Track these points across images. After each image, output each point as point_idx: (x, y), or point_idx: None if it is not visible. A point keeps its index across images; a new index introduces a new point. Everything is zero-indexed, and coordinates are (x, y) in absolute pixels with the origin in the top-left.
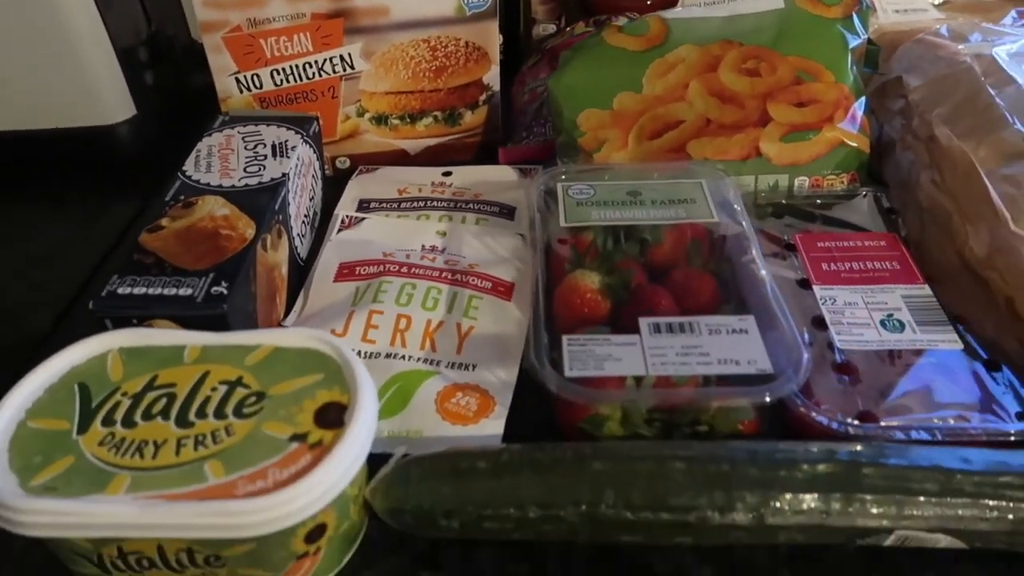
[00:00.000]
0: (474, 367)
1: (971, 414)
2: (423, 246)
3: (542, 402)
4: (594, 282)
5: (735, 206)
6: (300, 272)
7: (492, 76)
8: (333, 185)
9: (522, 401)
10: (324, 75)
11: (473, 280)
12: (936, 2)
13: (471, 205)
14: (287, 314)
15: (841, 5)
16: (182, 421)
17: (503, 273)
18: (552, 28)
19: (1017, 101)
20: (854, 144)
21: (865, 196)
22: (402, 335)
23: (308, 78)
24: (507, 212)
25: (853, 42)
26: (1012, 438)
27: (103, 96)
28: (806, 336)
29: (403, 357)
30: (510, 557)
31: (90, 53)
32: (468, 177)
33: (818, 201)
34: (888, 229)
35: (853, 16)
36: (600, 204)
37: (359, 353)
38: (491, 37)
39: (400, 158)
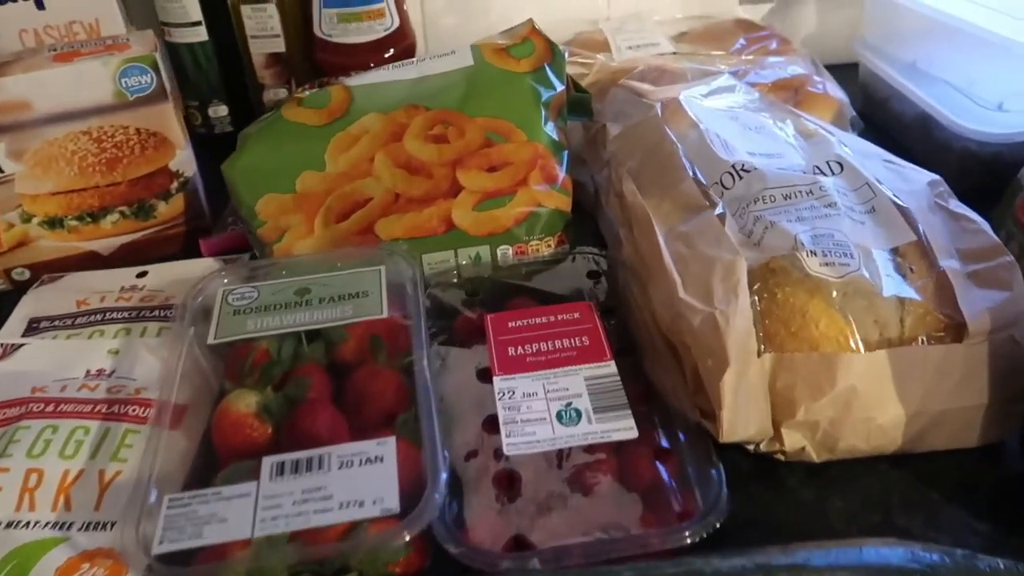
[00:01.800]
0: (111, 525)
1: (632, 523)
2: (88, 371)
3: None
4: (249, 405)
5: (410, 293)
6: None
7: (181, 161)
8: (11, 300)
9: None
10: None
11: (133, 410)
12: (671, 34)
13: (157, 312)
14: None
15: (531, 58)
16: None
17: (176, 394)
18: (284, 92)
19: (698, 147)
20: (553, 205)
21: (574, 260)
22: (31, 495)
23: None
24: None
25: (547, 95)
26: (685, 541)
27: None
28: (445, 456)
29: (28, 524)
30: None
31: None
32: (165, 276)
33: (523, 271)
34: (591, 295)
35: (545, 67)
36: (261, 310)
37: None
38: (167, 120)
39: (92, 260)
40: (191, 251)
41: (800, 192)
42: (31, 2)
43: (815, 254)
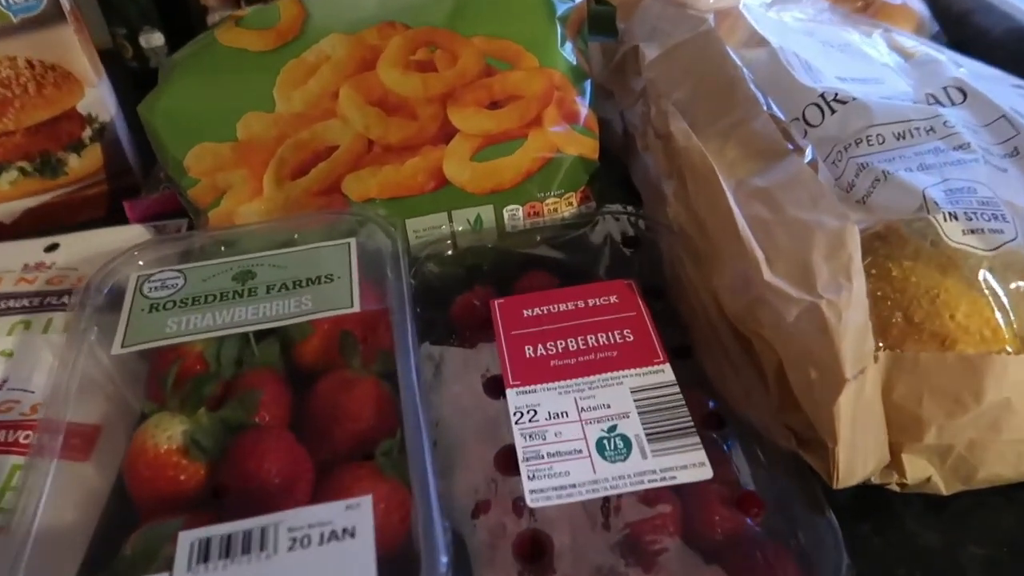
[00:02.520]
0: None
1: None
2: None
3: None
4: (172, 437)
5: (391, 275)
6: None
7: (93, 102)
8: None
9: None
10: None
11: (26, 435)
12: None
13: (67, 298)
14: None
15: None
16: None
17: (85, 411)
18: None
19: (771, 72)
20: (576, 151)
21: (602, 224)
22: None
23: None
24: (117, 300)
25: (563, 7)
26: None
27: None
28: (444, 527)
29: None
30: None
31: None
32: (81, 249)
33: (537, 238)
34: (631, 270)
35: None
36: (187, 304)
37: None
38: (69, 48)
39: None
40: (117, 217)
41: (918, 130)
42: None
43: (955, 217)
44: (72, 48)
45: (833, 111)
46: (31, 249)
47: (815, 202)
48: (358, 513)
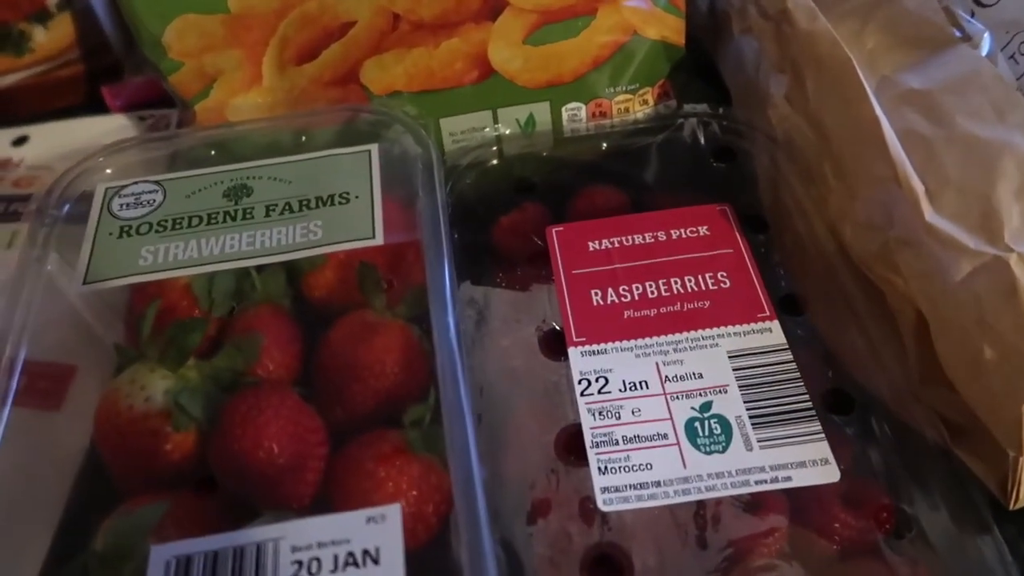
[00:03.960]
0: None
1: None
2: None
3: None
4: (151, 397)
5: (424, 192)
6: None
7: None
8: None
9: None
10: None
11: None
12: None
13: (52, 209)
14: None
15: None
16: None
17: (54, 350)
18: None
19: None
20: (656, 34)
21: (685, 127)
22: None
23: None
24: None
25: None
26: None
27: None
28: (491, 538)
29: None
30: None
31: None
32: (55, 143)
33: (605, 145)
34: (724, 193)
35: None
36: (165, 228)
37: None
38: None
39: None
40: (96, 104)
41: None
42: None
43: None
44: None
45: None
46: None
47: (1001, 114)
48: (383, 529)
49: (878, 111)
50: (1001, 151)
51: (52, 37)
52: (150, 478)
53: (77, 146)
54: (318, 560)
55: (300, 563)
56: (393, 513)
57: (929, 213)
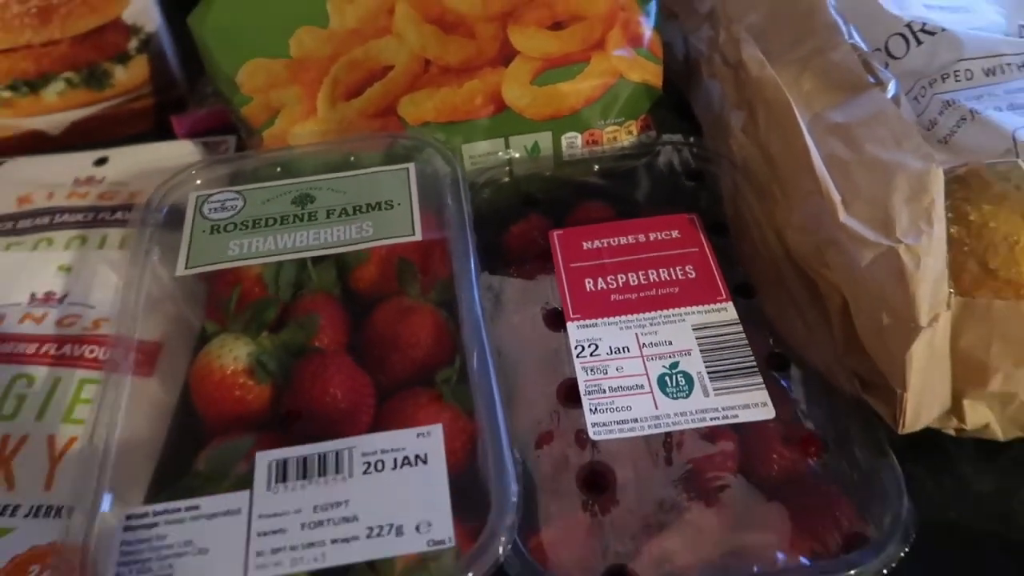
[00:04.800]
0: (71, 511)
1: (777, 549)
2: (33, 296)
3: None
4: (238, 359)
5: (451, 202)
6: None
7: (137, 12)
8: None
9: None
10: None
11: (91, 351)
12: None
13: (120, 213)
14: None
15: None
16: None
17: (147, 328)
18: None
19: (855, 0)
20: (639, 77)
21: (662, 155)
22: None
23: None
24: (175, 218)
25: None
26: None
27: None
28: (513, 459)
29: None
30: None
31: None
32: (131, 164)
33: (596, 168)
34: (693, 204)
35: None
36: (247, 227)
37: None
38: None
39: (38, 141)
40: (164, 130)
41: (1009, 65)
42: None
43: None
44: None
45: (919, 42)
46: (80, 162)
47: (898, 141)
48: (429, 441)
49: (809, 141)
50: (896, 170)
51: (129, 75)
52: (236, 421)
53: (149, 166)
54: (382, 461)
55: (369, 463)
56: (436, 430)
57: (843, 216)
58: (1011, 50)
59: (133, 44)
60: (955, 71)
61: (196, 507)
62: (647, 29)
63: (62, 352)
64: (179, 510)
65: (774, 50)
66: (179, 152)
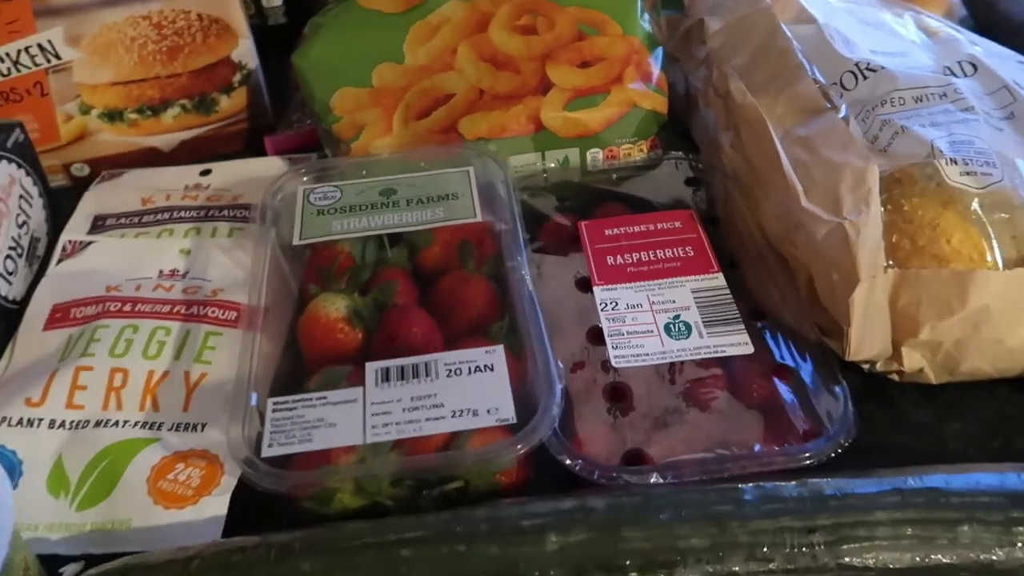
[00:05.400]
0: (203, 427)
1: (755, 440)
2: (160, 272)
3: None
4: (339, 309)
5: (505, 197)
6: (10, 318)
7: (243, 52)
8: (70, 198)
9: None
10: (23, 70)
11: (213, 311)
12: None
13: (227, 211)
14: None
15: None
16: None
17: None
18: None
19: (816, 44)
20: (649, 106)
21: (666, 165)
22: (117, 395)
23: (2, 75)
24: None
25: None
26: (807, 459)
27: None
28: (559, 367)
29: (116, 423)
30: None
31: None
32: (230, 175)
33: (614, 176)
34: (690, 204)
35: None
36: (345, 211)
37: (63, 424)
38: (230, 6)
39: (153, 157)
40: (253, 149)
41: (933, 95)
42: None
43: (955, 162)
44: (232, 5)
45: (865, 77)
46: (189, 174)
47: (845, 147)
48: (495, 355)
49: (780, 150)
50: (843, 167)
51: (231, 103)
52: (334, 358)
53: (246, 177)
54: (460, 368)
55: (450, 370)
56: (499, 349)
57: (804, 202)
58: (934, 84)
59: (237, 78)
60: (891, 99)
61: (324, 397)
62: (655, 69)
63: (190, 312)
64: (311, 399)
65: (754, 84)
66: (269, 166)
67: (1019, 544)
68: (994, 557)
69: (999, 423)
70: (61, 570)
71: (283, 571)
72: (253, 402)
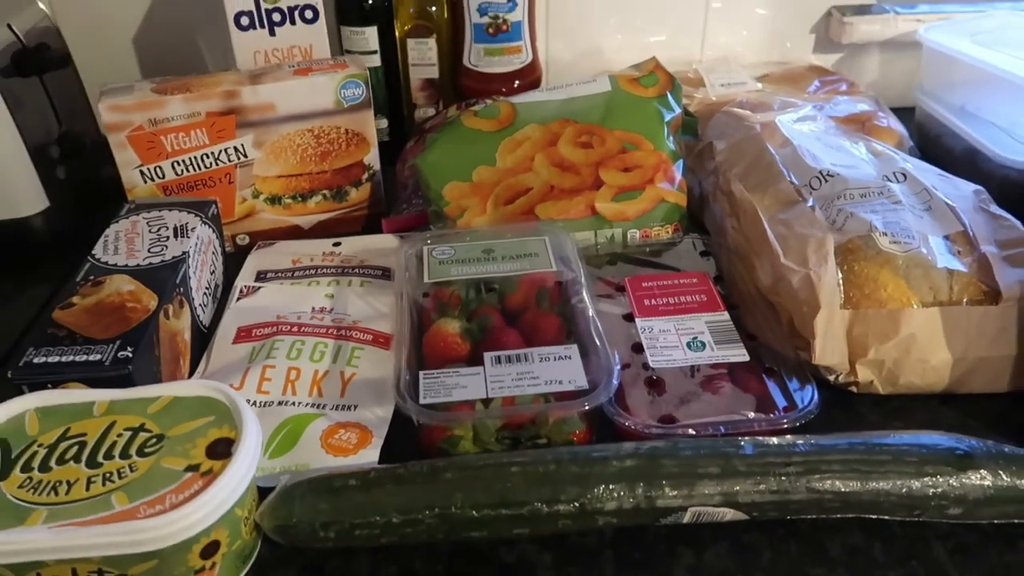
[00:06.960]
0: (355, 407)
1: (750, 412)
2: (313, 308)
3: (412, 433)
4: (455, 328)
5: (571, 258)
6: (203, 337)
7: (372, 157)
8: (234, 260)
9: (396, 433)
10: (220, 164)
11: (356, 334)
12: (755, 76)
13: (356, 270)
14: (191, 374)
15: (656, 86)
16: (91, 463)
17: (383, 326)
18: (431, 111)
19: (792, 158)
20: (673, 200)
21: (686, 242)
22: (292, 385)
23: (206, 167)
24: (388, 274)
25: (668, 116)
26: (784, 424)
27: (17, 191)
28: (616, 357)
29: (293, 403)
30: (382, 560)
31: (3, 152)
32: (355, 246)
33: (647, 249)
34: (704, 269)
35: (667, 95)
36: (459, 262)
37: (254, 403)
38: (367, 124)
39: (295, 232)
40: (369, 229)
41: (873, 192)
42: (265, 30)
43: (886, 235)
44: (369, 123)
45: (826, 181)
46: (324, 244)
47: (811, 225)
48: (571, 350)
49: (767, 228)
50: (809, 238)
51: (358, 194)
52: (450, 362)
53: (367, 248)
54: (548, 357)
55: (542, 357)
56: (574, 347)
57: (783, 260)
58: (874, 185)
59: (365, 176)
60: (844, 194)
61: (457, 371)
62: (678, 176)
63: (340, 333)
64: (449, 371)
65: (748, 185)
66: (385, 241)
67: (927, 479)
68: (913, 485)
69: (929, 424)
70: (280, 477)
71: (433, 480)
72: (408, 378)
